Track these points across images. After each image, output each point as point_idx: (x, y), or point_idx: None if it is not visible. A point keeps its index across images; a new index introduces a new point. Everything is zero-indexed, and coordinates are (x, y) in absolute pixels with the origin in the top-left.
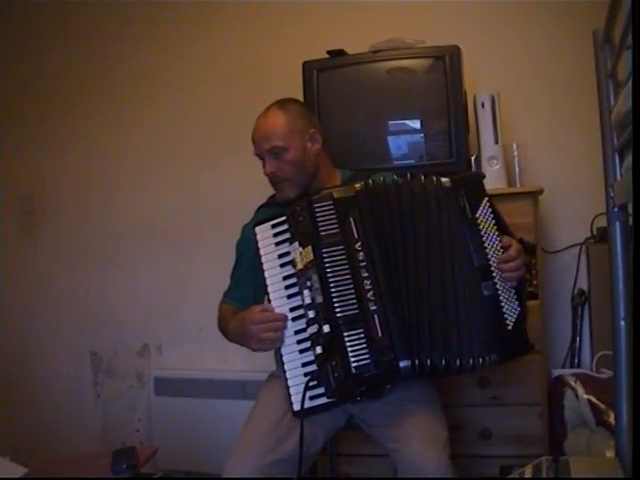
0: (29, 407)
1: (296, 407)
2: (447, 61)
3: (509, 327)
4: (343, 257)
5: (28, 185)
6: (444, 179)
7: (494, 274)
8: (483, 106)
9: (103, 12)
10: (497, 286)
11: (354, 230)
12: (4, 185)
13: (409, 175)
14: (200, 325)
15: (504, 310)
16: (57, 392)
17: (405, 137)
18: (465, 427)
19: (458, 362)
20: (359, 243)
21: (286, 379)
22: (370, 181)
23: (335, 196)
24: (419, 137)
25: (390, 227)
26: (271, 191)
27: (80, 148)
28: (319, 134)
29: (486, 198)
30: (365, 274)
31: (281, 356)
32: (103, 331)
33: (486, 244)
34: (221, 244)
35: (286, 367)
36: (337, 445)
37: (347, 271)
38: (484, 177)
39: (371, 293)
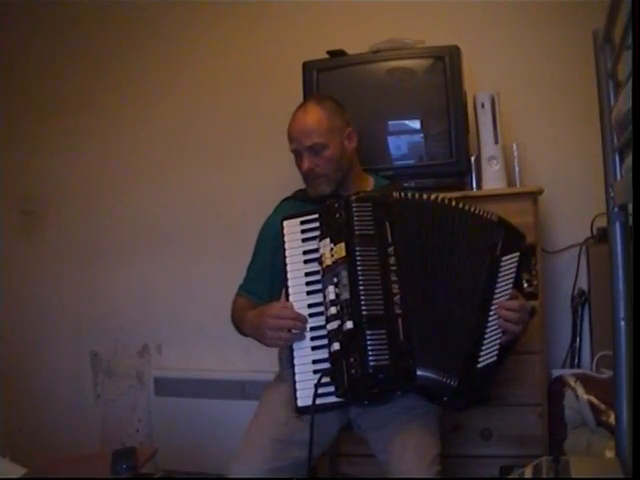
0: (29, 407)
1: (300, 403)
2: (447, 61)
3: (477, 365)
4: (375, 258)
5: (29, 185)
6: (492, 215)
7: (490, 315)
8: (483, 106)
9: (108, 14)
10: (487, 328)
11: (388, 234)
12: (5, 185)
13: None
14: (200, 325)
15: (481, 350)
16: (57, 392)
17: (405, 137)
18: (465, 427)
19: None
20: (392, 248)
21: (294, 374)
22: (410, 194)
23: (374, 199)
24: (419, 137)
25: (421, 240)
26: (275, 191)
27: (81, 148)
28: (355, 133)
29: (518, 252)
30: (394, 278)
31: (292, 351)
32: (103, 331)
33: (497, 286)
34: (222, 244)
35: (296, 362)
36: (337, 445)
37: (377, 272)
38: (530, 246)
39: (398, 297)
